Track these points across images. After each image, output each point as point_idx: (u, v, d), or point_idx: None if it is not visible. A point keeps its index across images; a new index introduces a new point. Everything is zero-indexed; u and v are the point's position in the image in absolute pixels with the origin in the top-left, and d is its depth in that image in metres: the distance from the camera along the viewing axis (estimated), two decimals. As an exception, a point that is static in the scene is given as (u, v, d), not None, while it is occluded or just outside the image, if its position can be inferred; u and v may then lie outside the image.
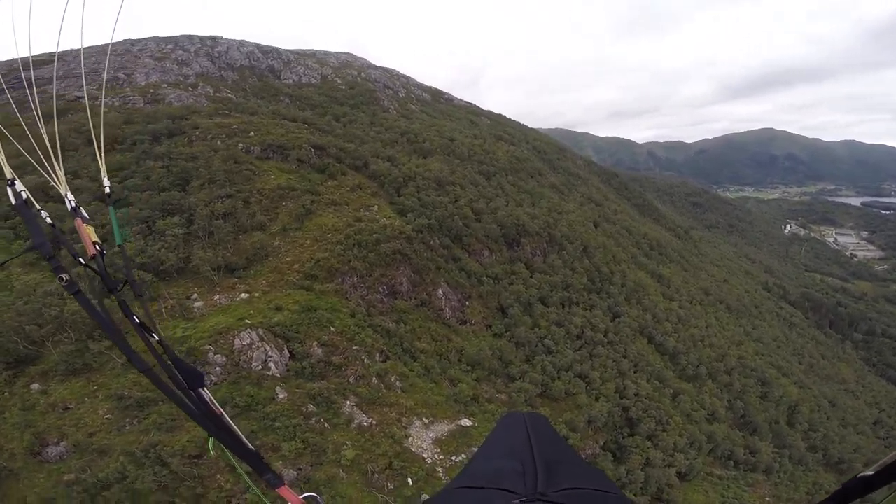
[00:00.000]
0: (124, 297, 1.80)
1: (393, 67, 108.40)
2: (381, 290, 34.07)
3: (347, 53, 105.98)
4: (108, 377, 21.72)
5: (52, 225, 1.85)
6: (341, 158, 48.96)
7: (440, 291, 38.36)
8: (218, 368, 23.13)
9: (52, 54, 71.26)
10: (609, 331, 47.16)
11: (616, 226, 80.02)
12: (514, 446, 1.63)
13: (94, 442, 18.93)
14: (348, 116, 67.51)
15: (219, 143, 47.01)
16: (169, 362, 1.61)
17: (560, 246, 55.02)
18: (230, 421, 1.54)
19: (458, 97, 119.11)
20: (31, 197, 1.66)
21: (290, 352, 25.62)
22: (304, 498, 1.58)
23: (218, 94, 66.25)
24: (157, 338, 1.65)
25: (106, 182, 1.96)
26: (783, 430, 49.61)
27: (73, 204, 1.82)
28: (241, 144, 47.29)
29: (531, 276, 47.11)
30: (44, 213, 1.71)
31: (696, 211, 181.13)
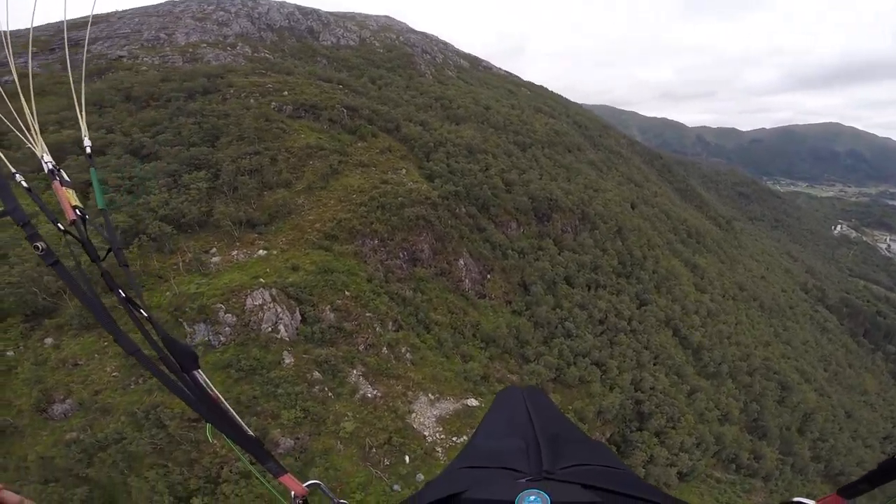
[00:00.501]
0: (127, 277, 1.63)
1: (432, 33, 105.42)
2: (401, 256, 33.35)
3: (387, 17, 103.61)
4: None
5: (28, 189, 1.65)
6: (373, 120, 48.01)
7: (461, 262, 37.35)
8: (227, 328, 23.04)
9: (96, 16, 72.55)
10: (634, 318, 45.19)
11: (654, 209, 76.32)
12: (515, 423, 1.62)
13: (98, 400, 19.13)
14: (384, 79, 66.12)
15: (252, 101, 46.88)
16: (156, 340, 1.43)
17: (593, 225, 52.75)
18: (228, 405, 1.39)
19: (498, 66, 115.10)
20: (3, 157, 1.53)
21: (302, 315, 25.30)
22: (307, 486, 1.45)
23: (256, 55, 66.00)
24: (145, 314, 1.44)
25: (87, 141, 1.80)
26: (793, 437, 47.22)
27: (51, 166, 1.58)
28: (273, 103, 47.02)
29: (559, 254, 45.38)
30: (18, 177, 1.56)
31: (742, 201, 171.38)
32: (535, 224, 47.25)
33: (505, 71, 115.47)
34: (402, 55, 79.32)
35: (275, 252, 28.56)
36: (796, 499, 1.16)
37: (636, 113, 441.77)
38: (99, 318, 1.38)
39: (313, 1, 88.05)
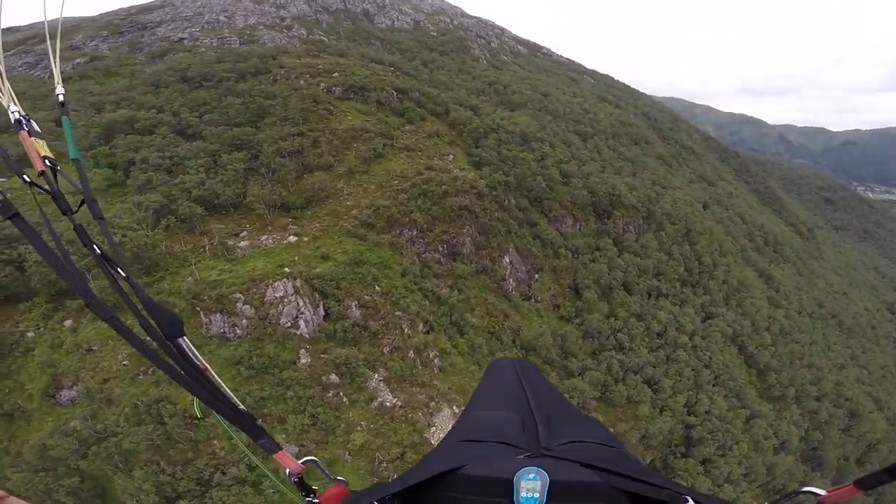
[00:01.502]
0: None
1: (488, 18, 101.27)
2: (441, 249, 30.57)
3: (442, 0, 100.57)
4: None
5: None
6: (422, 103, 45.57)
7: (507, 259, 34.08)
8: (244, 321, 21.38)
9: (161, 1, 74.74)
10: (696, 334, 40.78)
11: (728, 211, 69.09)
12: (509, 396, 1.59)
13: (105, 389, 18.27)
14: (436, 63, 63.51)
15: (301, 82, 45.79)
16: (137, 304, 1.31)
17: (658, 225, 47.63)
18: (216, 377, 1.28)
19: (559, 54, 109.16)
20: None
21: (326, 310, 23.31)
22: (303, 462, 1.36)
23: (311, 36, 65.53)
24: (123, 273, 1.33)
25: (59, 90, 1.68)
26: (850, 468, 42.19)
27: (18, 115, 1.45)
28: (322, 84, 45.72)
29: (618, 256, 40.97)
30: None
31: (827, 208, 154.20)
32: (593, 221, 43.00)
33: (566, 58, 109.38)
34: (455, 39, 76.51)
35: (306, 239, 26.69)
36: (805, 488, 1.11)
37: (710, 107, 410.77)
38: (65, 277, 1.20)
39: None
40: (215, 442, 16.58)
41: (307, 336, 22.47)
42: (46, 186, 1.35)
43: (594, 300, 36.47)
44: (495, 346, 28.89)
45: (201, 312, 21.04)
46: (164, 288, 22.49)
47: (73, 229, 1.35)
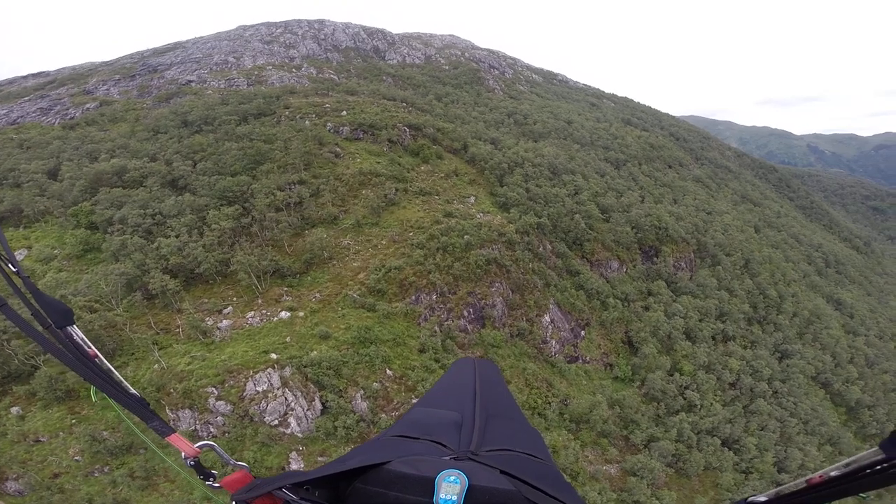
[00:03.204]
0: None
1: (498, 49, 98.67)
2: (466, 314, 25.36)
3: (451, 35, 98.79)
4: (92, 409, 17.77)
5: None
6: (438, 140, 41.43)
7: (547, 318, 28.64)
8: (220, 418, 16.79)
9: (174, 44, 74.42)
10: (775, 378, 35.55)
11: (781, 233, 62.43)
12: (459, 394, 1.62)
13: (56, 485, 15.58)
14: (450, 96, 60.15)
15: (307, 122, 42.50)
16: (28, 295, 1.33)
17: (713, 258, 41.75)
18: (108, 363, 1.31)
19: (575, 80, 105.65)
20: None
21: (323, 403, 18.40)
22: (198, 446, 1.37)
23: (321, 75, 63.20)
24: (14, 268, 1.34)
25: None
26: None
27: None
28: (329, 124, 42.23)
29: (674, 300, 35.12)
30: None
31: (876, 217, 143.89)
32: (640, 261, 37.43)
33: (583, 83, 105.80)
34: (468, 71, 73.50)
35: (301, 314, 21.94)
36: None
37: (732, 122, 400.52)
38: None
39: (378, 21, 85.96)
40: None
41: (300, 434, 17.84)
42: None
43: (653, 355, 30.86)
44: (538, 422, 23.27)
45: (167, 407, 16.54)
46: (127, 375, 18.30)
47: None
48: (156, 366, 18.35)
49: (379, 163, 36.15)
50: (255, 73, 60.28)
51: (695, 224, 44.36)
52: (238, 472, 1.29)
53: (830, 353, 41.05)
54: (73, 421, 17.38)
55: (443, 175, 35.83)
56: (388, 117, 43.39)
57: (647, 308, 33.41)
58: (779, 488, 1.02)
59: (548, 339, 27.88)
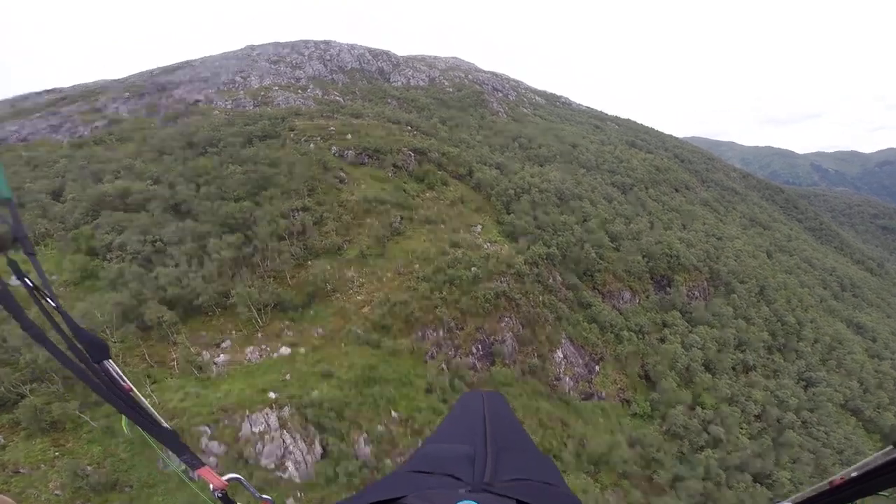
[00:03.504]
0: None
1: (501, 72, 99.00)
2: (475, 351, 24.26)
3: (455, 58, 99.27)
4: (78, 443, 16.70)
5: None
6: (443, 165, 40.81)
7: (559, 353, 27.55)
8: (213, 459, 15.77)
9: (184, 62, 74.78)
10: (802, 407, 34.33)
11: (794, 257, 61.46)
12: (468, 428, 1.62)
13: None
14: (455, 119, 59.77)
15: (312, 146, 42.02)
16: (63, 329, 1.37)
17: (727, 286, 40.74)
18: (141, 397, 1.39)
19: (577, 102, 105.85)
20: None
21: (324, 447, 17.31)
22: (226, 479, 1.42)
23: (326, 97, 63.09)
24: (53, 304, 1.40)
25: None
26: None
27: None
28: (334, 148, 41.75)
29: (690, 330, 34.13)
30: None
31: (887, 237, 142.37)
32: (653, 291, 36.40)
33: (585, 106, 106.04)
34: (472, 94, 73.38)
35: (303, 351, 20.92)
36: None
37: (735, 143, 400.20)
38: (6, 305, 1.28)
39: (383, 43, 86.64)
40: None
41: (298, 480, 16.79)
42: None
43: (673, 389, 29.71)
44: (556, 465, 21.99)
45: (156, 447, 15.49)
46: (112, 411, 17.37)
47: (8, 264, 1.46)
48: (148, 400, 17.38)
49: (384, 189, 35.49)
50: (262, 93, 60.17)
51: (706, 251, 43.45)
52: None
53: (857, 379, 40.02)
54: (57, 454, 16.53)
55: (448, 202, 35.09)
56: (393, 141, 42.91)
57: (662, 340, 32.37)
58: (803, 493, 0.99)
59: (561, 375, 26.72)
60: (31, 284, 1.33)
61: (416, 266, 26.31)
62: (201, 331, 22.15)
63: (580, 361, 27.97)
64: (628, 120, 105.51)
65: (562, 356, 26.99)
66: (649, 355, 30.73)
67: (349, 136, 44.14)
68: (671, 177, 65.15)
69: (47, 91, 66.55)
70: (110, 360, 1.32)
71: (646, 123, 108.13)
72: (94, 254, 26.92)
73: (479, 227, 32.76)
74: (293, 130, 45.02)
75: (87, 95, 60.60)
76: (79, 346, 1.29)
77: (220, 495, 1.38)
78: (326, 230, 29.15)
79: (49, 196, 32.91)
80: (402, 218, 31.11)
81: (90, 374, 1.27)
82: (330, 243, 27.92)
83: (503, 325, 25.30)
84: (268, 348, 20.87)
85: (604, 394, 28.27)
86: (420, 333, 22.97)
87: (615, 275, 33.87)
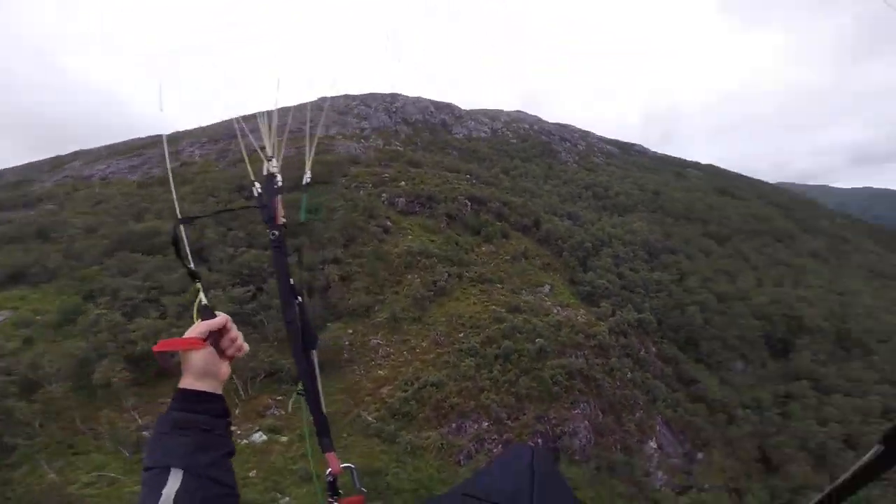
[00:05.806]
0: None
1: (568, 123, 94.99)
2: (534, 445, 17.80)
3: (518, 111, 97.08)
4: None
5: (260, 194, 1.71)
6: (504, 215, 36.42)
7: (653, 443, 20.54)
8: None
9: (260, 112, 77.89)
10: None
11: (931, 312, 48.72)
12: (515, 473, 1.66)
13: None
14: (519, 169, 56.07)
15: (361, 192, 39.22)
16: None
17: (864, 348, 32.11)
18: (320, 386, 1.60)
19: (653, 150, 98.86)
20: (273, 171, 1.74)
21: None
22: (343, 467, 1.58)
23: (387, 147, 62.14)
24: (300, 299, 1.63)
25: (307, 177, 1.94)
26: None
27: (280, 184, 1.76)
28: (384, 194, 38.78)
29: (821, 401, 25.80)
30: (257, 185, 1.75)
31: None
32: (770, 360, 28.44)
33: (661, 153, 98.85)
34: (538, 144, 70.01)
35: (285, 439, 15.80)
36: None
37: (826, 186, 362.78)
38: (283, 295, 1.54)
39: (448, 97, 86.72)
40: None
41: None
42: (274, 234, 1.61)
43: (806, 475, 21.39)
44: None
45: None
46: (6, 477, 13.35)
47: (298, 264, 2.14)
48: (51, 475, 12.92)
49: (433, 241, 31.21)
50: (326, 142, 60.02)
51: (830, 309, 35.03)
52: (357, 496, 1.46)
53: None
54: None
55: (508, 257, 29.90)
56: (448, 189, 39.38)
57: (786, 415, 24.34)
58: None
59: (652, 469, 19.39)
60: (299, 300, 1.54)
61: (461, 335, 20.80)
62: (167, 398, 17.66)
63: (679, 451, 20.52)
64: (710, 165, 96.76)
65: (655, 446, 19.95)
66: (769, 435, 22.89)
67: (403, 183, 41.23)
68: (771, 226, 56.62)
69: (151, 137, 70.77)
70: (315, 352, 1.54)
71: (730, 168, 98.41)
72: (91, 296, 24.40)
73: (548, 287, 26.97)
74: (345, 176, 42.80)
75: (173, 141, 63.63)
76: (302, 335, 1.50)
77: (331, 479, 1.49)
78: (355, 287, 24.68)
79: (84, 231, 32.02)
80: (449, 275, 26.22)
81: (304, 357, 1.49)
82: (357, 303, 23.39)
83: (577, 412, 18.79)
84: (240, 431, 15.86)
85: (706, 485, 20.55)
86: (455, 425, 17.13)
87: (724, 342, 26.30)
